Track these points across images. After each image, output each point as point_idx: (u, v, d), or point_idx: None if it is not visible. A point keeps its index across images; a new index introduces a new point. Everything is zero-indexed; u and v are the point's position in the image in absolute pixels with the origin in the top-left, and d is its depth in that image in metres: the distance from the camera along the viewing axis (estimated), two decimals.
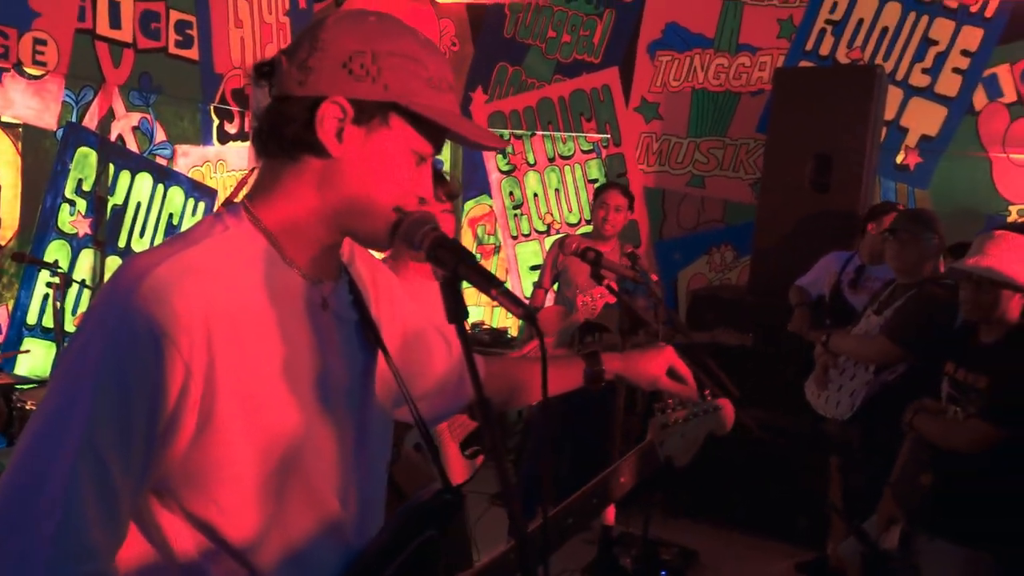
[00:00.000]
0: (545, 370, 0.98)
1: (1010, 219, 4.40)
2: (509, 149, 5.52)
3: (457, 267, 0.97)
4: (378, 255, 1.36)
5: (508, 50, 5.47)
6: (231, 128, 5.33)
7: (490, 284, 0.96)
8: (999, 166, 4.46)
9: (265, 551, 0.96)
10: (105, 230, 4.51)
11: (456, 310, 0.98)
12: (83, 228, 4.37)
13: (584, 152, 5.37)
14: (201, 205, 5.11)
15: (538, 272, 4.27)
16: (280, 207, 1.00)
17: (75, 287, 4.20)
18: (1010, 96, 4.45)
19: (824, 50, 4.79)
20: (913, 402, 2.61)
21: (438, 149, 1.04)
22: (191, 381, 0.88)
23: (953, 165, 4.55)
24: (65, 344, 3.18)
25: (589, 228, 4.13)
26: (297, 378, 0.99)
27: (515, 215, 5.57)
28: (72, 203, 4.30)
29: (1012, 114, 4.44)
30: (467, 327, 1.02)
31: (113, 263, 4.57)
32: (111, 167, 4.49)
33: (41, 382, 3.46)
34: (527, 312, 0.95)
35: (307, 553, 1.00)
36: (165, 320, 0.87)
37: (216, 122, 5.20)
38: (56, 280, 3.67)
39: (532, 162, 5.49)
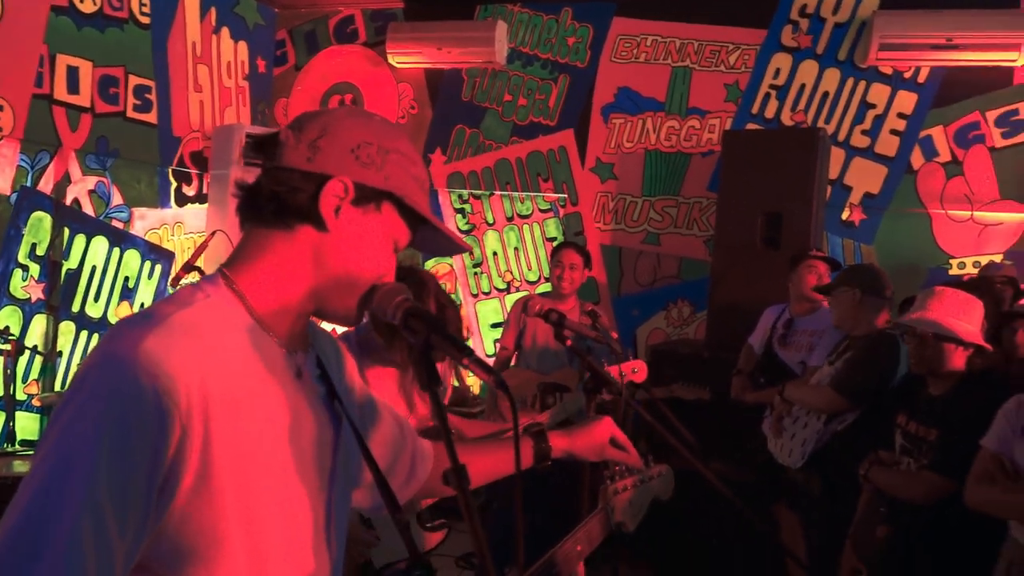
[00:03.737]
0: (518, 444, 1.02)
1: (951, 272, 4.60)
2: (468, 208, 5.60)
3: (429, 336, 1.01)
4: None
5: (466, 113, 5.60)
6: (189, 191, 5.32)
7: (462, 352, 1.00)
8: (938, 222, 4.68)
9: None
10: (59, 295, 4.43)
11: (428, 378, 1.01)
12: (36, 293, 4.29)
13: (542, 211, 5.48)
14: (158, 267, 5.06)
15: (499, 329, 4.29)
16: (263, 275, 1.03)
17: (27, 354, 4.11)
18: (944, 156, 4.69)
19: (769, 113, 5.00)
20: (869, 454, 2.68)
21: (408, 244, 1.12)
22: (187, 440, 0.89)
23: (895, 221, 4.76)
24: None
25: (548, 286, 4.17)
26: (280, 444, 1.00)
27: (475, 273, 5.62)
28: (25, 268, 4.22)
29: (948, 173, 4.68)
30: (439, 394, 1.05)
31: (67, 328, 4.48)
32: (66, 231, 4.44)
33: None
34: (499, 380, 0.99)
35: None
36: (164, 379, 0.87)
37: (174, 184, 5.20)
38: (7, 347, 3.60)
39: (491, 221, 5.58)
